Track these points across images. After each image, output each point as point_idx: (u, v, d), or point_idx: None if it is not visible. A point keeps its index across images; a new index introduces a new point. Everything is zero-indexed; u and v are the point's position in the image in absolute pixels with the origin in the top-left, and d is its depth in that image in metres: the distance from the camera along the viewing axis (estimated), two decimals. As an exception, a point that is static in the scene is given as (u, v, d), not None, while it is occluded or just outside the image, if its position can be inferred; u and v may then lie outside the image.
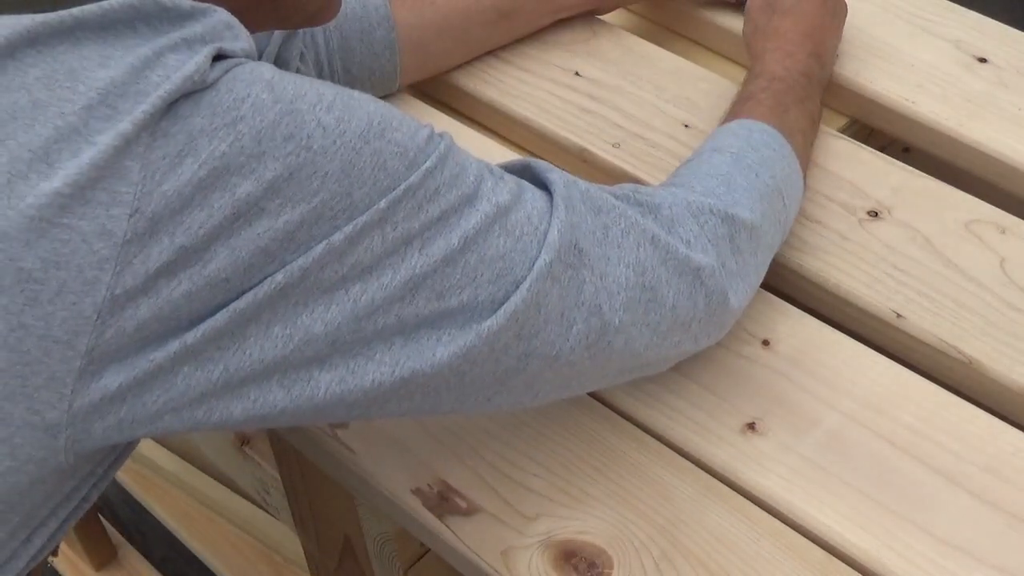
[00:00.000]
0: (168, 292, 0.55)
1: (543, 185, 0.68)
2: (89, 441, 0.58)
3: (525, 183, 0.67)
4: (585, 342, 0.66)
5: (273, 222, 0.56)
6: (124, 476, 1.55)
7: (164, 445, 1.51)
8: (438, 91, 1.04)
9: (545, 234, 0.64)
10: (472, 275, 0.62)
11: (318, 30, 0.92)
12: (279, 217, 0.56)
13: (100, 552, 1.59)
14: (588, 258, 0.66)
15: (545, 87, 1.01)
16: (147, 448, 1.52)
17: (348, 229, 0.58)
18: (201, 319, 0.57)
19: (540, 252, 0.64)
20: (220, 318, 0.57)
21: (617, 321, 0.67)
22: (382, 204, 0.58)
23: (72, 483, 0.62)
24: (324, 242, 0.57)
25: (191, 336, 0.57)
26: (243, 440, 1.06)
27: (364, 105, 0.60)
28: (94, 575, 1.60)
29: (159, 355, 0.56)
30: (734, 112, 0.87)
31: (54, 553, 0.67)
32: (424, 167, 0.60)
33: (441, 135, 0.63)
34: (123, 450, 0.65)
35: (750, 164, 0.79)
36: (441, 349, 0.62)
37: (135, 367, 0.56)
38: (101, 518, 1.59)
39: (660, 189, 0.75)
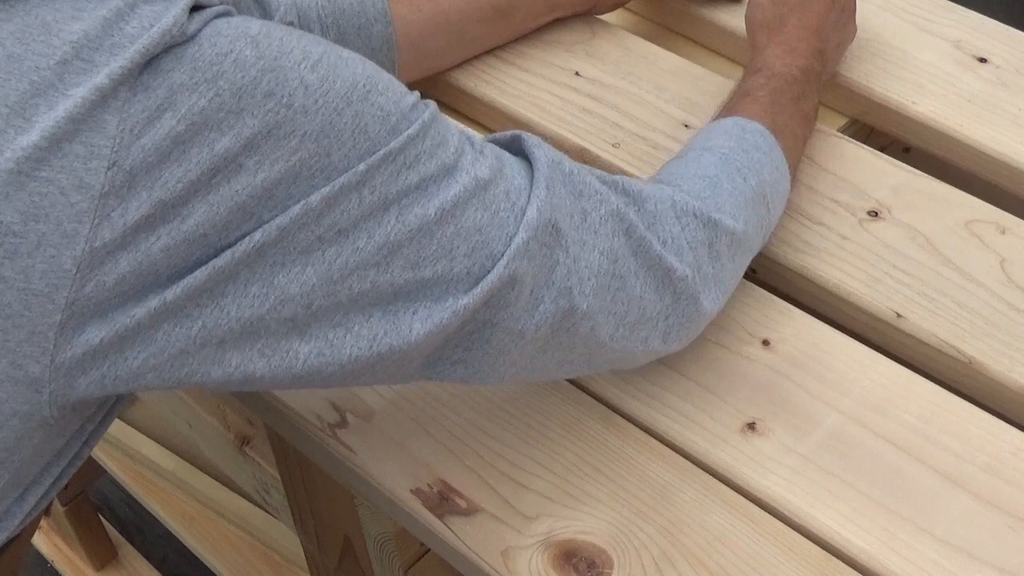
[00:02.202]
0: (147, 246, 0.56)
1: (527, 159, 0.68)
2: (73, 396, 0.58)
3: (507, 157, 0.67)
4: (551, 321, 0.66)
5: (251, 179, 0.56)
6: (124, 476, 1.55)
7: (164, 445, 1.52)
8: (437, 91, 1.04)
9: (523, 211, 0.65)
10: (448, 247, 0.62)
11: (315, 25, 0.92)
12: (257, 174, 0.56)
13: (100, 552, 1.59)
14: (564, 239, 0.66)
15: (545, 87, 1.01)
16: (147, 448, 1.52)
17: (325, 190, 0.58)
18: (180, 275, 0.57)
19: (518, 229, 0.64)
20: (199, 275, 0.57)
21: (585, 306, 0.67)
22: (360, 167, 0.59)
23: (62, 440, 0.62)
24: (302, 202, 0.57)
25: (170, 292, 0.57)
26: (243, 440, 1.06)
27: (351, 66, 0.60)
28: (94, 575, 1.60)
29: (139, 311, 0.57)
30: (729, 107, 0.87)
31: (47, 512, 0.67)
32: (406, 133, 0.60)
33: (426, 103, 0.63)
34: (111, 407, 0.66)
35: (739, 167, 0.79)
36: (417, 325, 0.62)
37: (116, 322, 0.57)
38: (101, 518, 1.59)
39: (648, 185, 0.75)
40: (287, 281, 0.59)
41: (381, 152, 0.59)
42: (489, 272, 0.63)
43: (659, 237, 0.71)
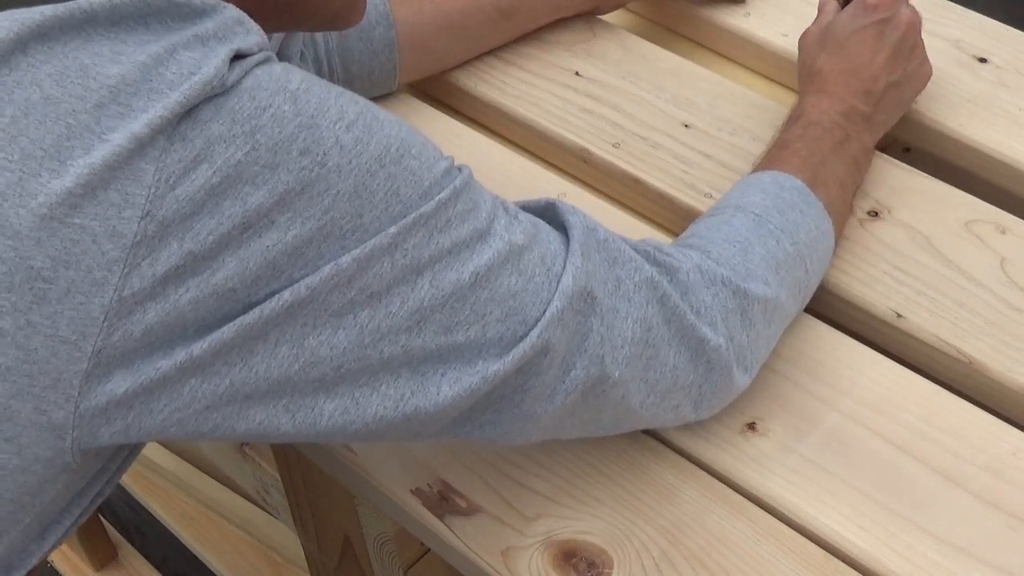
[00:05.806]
0: (176, 298, 0.55)
1: (562, 226, 0.68)
2: (95, 443, 0.58)
3: (542, 224, 0.67)
4: (581, 388, 0.66)
5: (282, 235, 0.56)
6: (124, 476, 1.54)
7: (164, 445, 1.52)
8: (438, 91, 1.04)
9: (559, 278, 0.64)
10: (481, 312, 0.62)
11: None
12: (288, 231, 0.56)
13: (100, 552, 1.59)
14: (599, 307, 0.66)
15: (545, 87, 1.01)
16: (147, 448, 1.52)
17: (356, 252, 0.57)
18: (208, 329, 0.56)
19: (553, 297, 0.63)
20: (227, 331, 0.56)
21: (617, 374, 0.67)
22: (392, 229, 0.58)
23: (82, 482, 0.62)
24: (332, 263, 0.57)
25: (198, 347, 0.56)
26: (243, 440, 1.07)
27: (386, 128, 0.59)
28: (94, 575, 1.60)
29: (165, 363, 0.56)
30: (768, 160, 0.85)
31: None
32: (437, 198, 0.60)
33: (460, 168, 0.63)
34: (132, 449, 0.65)
35: (771, 230, 0.77)
36: (446, 388, 0.62)
37: (142, 373, 0.56)
38: (101, 518, 1.59)
39: (678, 250, 0.74)
40: (318, 343, 0.58)
41: (412, 215, 0.59)
42: (522, 339, 0.62)
43: (692, 307, 0.70)
